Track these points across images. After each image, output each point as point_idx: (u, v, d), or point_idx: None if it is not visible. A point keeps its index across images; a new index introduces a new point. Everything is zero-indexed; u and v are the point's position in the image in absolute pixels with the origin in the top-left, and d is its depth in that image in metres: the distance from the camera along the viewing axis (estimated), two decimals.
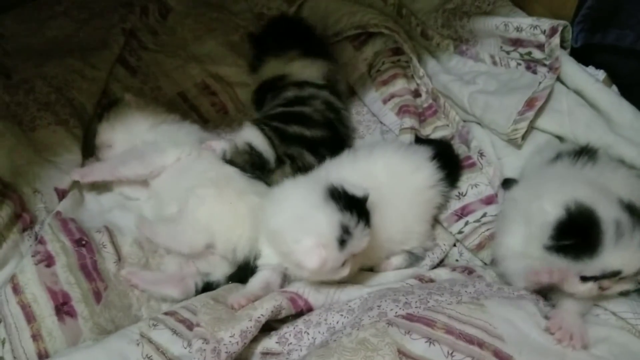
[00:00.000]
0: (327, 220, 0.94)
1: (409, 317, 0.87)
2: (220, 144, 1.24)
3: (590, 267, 0.88)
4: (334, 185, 0.98)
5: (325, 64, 1.42)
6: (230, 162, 1.21)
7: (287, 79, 1.38)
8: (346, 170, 1.10)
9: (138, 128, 1.26)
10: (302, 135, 1.26)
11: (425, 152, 1.20)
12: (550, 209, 0.91)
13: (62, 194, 1.21)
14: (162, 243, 1.11)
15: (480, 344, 0.82)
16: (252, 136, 1.24)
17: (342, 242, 0.94)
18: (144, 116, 1.27)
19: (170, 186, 1.19)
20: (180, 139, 1.25)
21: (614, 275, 0.88)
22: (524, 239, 0.97)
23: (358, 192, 0.99)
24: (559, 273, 0.89)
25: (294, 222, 0.97)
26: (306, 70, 1.39)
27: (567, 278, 0.89)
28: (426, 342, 0.82)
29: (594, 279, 0.89)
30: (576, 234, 0.88)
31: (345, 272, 0.99)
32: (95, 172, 1.23)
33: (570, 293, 0.92)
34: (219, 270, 1.11)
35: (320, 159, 1.22)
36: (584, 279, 0.89)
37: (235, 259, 1.10)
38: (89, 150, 1.33)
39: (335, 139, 1.31)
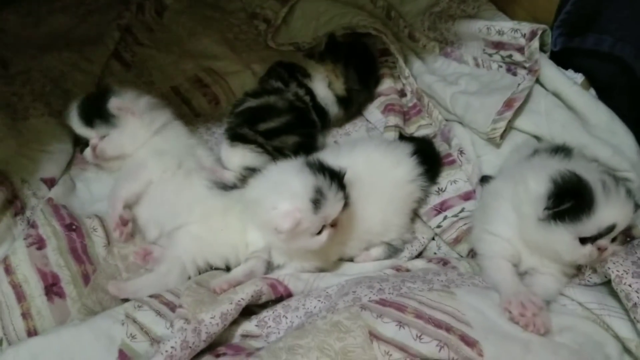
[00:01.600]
0: (300, 183, 1.01)
1: (382, 302, 0.91)
2: (230, 176, 1.26)
3: (588, 227, 0.92)
4: (310, 158, 1.06)
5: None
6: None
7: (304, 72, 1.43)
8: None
9: (143, 134, 1.23)
10: (272, 128, 1.29)
11: (405, 148, 1.24)
12: (537, 185, 0.97)
13: (50, 183, 1.26)
14: (146, 294, 1.07)
15: (448, 329, 0.86)
16: (243, 159, 1.27)
17: (316, 204, 0.99)
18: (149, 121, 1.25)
19: (153, 212, 1.19)
20: (173, 150, 1.24)
21: (610, 230, 0.93)
22: (515, 223, 1.01)
23: (335, 168, 1.05)
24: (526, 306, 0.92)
25: (271, 189, 1.04)
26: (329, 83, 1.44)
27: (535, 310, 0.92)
28: (396, 325, 0.86)
29: (592, 239, 0.93)
30: (571, 196, 0.93)
31: (322, 239, 1.03)
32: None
33: (571, 261, 0.97)
34: None
35: (299, 137, 1.28)
36: (583, 241, 0.93)
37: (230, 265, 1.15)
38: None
39: (304, 121, 1.35)
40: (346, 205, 1.05)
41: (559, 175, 0.95)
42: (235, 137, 1.28)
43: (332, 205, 1.01)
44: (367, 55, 1.50)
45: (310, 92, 1.40)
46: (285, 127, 1.29)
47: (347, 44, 1.49)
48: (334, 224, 1.04)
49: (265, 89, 1.37)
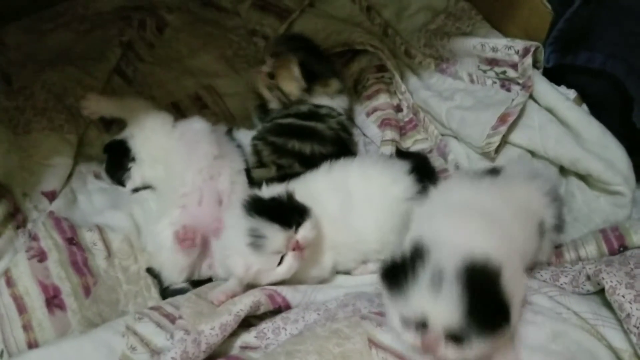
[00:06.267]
0: (235, 232, 1.04)
1: (381, 314, 0.92)
2: None
3: (400, 304, 0.84)
4: (247, 197, 1.09)
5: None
6: None
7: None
8: (319, 179, 1.19)
9: None
10: (300, 152, 1.32)
11: (403, 165, 1.23)
12: None
13: (51, 196, 1.27)
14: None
15: None
16: None
17: (257, 246, 1.02)
18: None
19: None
20: None
21: (422, 321, 0.81)
22: None
23: (274, 194, 1.08)
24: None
25: (224, 247, 1.09)
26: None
27: None
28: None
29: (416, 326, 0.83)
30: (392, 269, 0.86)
31: (284, 268, 1.05)
32: None
33: None
34: None
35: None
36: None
37: None
38: (84, 155, 1.40)
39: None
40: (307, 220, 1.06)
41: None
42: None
43: (275, 239, 1.03)
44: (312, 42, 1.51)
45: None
46: (311, 159, 1.30)
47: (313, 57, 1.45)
48: (297, 248, 1.05)
49: (316, 113, 1.38)
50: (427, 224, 0.93)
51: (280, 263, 1.05)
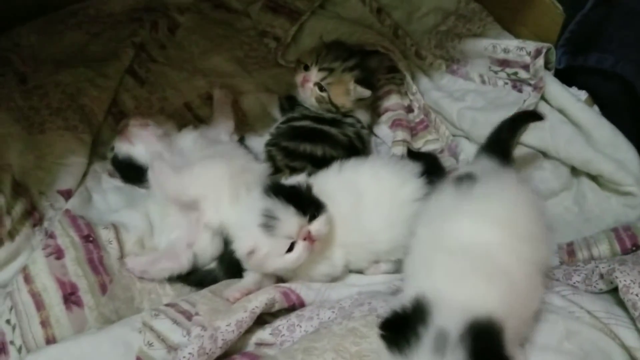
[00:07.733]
0: (249, 211, 1.06)
1: None
2: None
3: None
4: (268, 183, 1.12)
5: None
6: None
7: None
8: (331, 178, 1.19)
9: None
10: (312, 154, 1.32)
11: (414, 167, 1.23)
12: None
13: (66, 195, 1.29)
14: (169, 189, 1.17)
15: None
16: None
17: (269, 227, 1.03)
18: None
19: None
20: None
21: None
22: None
23: (294, 182, 1.10)
24: None
25: (233, 222, 1.11)
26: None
27: None
28: None
29: None
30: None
31: (293, 256, 1.05)
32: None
33: None
34: (209, 250, 1.18)
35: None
36: None
37: (221, 234, 1.18)
38: (98, 155, 1.41)
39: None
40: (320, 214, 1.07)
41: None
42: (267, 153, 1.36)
43: (288, 224, 1.04)
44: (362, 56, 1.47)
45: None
46: (323, 161, 1.29)
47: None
48: (308, 239, 1.06)
49: (339, 121, 1.39)
50: (426, 274, 0.90)
51: (289, 251, 1.06)
